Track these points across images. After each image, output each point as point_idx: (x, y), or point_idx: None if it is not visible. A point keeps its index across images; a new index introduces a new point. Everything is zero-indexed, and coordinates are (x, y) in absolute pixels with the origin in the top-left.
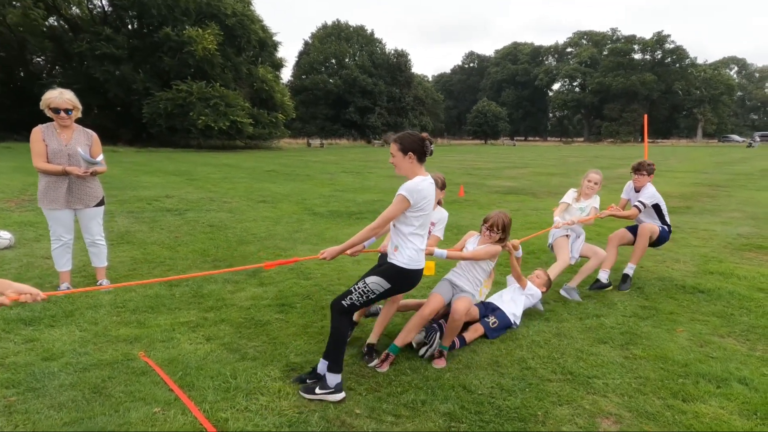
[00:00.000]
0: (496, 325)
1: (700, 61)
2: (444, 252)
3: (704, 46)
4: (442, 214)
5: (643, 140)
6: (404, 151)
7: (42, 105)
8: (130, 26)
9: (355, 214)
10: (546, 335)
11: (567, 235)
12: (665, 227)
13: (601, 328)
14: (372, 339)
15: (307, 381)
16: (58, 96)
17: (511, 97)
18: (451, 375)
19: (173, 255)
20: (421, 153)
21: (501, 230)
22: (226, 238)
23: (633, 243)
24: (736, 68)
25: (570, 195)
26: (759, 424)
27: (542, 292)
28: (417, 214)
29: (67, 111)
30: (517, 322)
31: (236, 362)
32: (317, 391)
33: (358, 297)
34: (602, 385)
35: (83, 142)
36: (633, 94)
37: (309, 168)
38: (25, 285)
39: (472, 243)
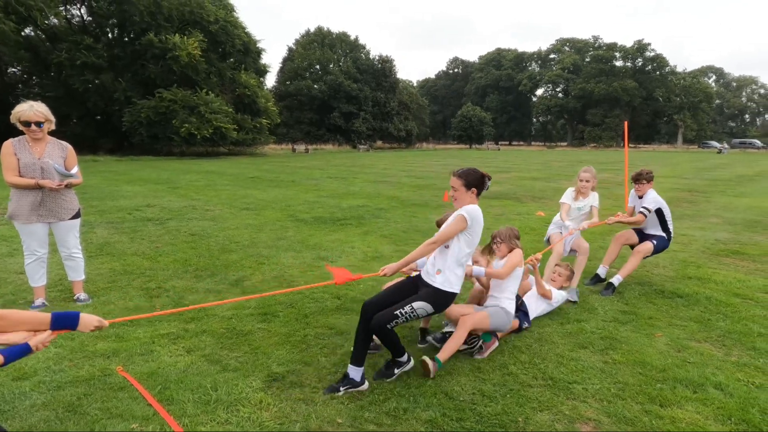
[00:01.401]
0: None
1: (679, 69)
2: (482, 270)
3: (683, 55)
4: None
5: (624, 145)
6: (468, 187)
7: (12, 119)
8: (110, 35)
9: (340, 219)
10: (527, 340)
11: (560, 232)
12: (665, 235)
13: (581, 333)
14: (424, 324)
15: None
16: (29, 109)
17: (496, 102)
18: (433, 382)
19: (154, 266)
20: (481, 189)
21: (503, 239)
22: (208, 247)
23: (636, 245)
24: (714, 77)
25: (569, 195)
26: (733, 429)
27: (565, 287)
28: (468, 239)
29: (38, 124)
30: (529, 325)
31: (217, 374)
32: (396, 370)
33: (403, 321)
34: (582, 390)
35: (57, 155)
36: (615, 100)
37: (293, 174)
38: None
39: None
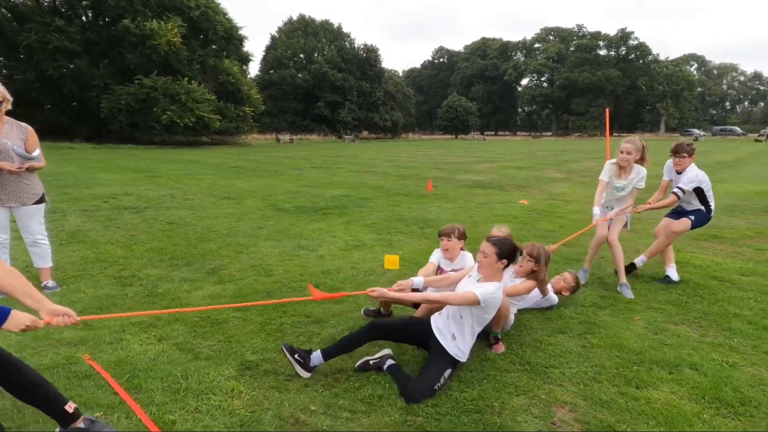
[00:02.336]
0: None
1: (661, 57)
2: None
3: (665, 43)
4: (465, 261)
5: (611, 134)
6: (500, 257)
7: None
8: (84, 18)
9: (322, 209)
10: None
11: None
12: (703, 208)
13: (560, 318)
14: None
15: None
16: None
17: (481, 92)
18: (409, 369)
19: (128, 254)
20: (511, 262)
21: (536, 260)
22: (185, 236)
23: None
24: (695, 65)
25: (607, 170)
26: (707, 408)
27: (565, 294)
28: (484, 316)
29: None
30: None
31: (188, 362)
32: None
33: (440, 390)
34: (559, 374)
35: (16, 136)
36: (599, 89)
37: (277, 164)
38: (60, 306)
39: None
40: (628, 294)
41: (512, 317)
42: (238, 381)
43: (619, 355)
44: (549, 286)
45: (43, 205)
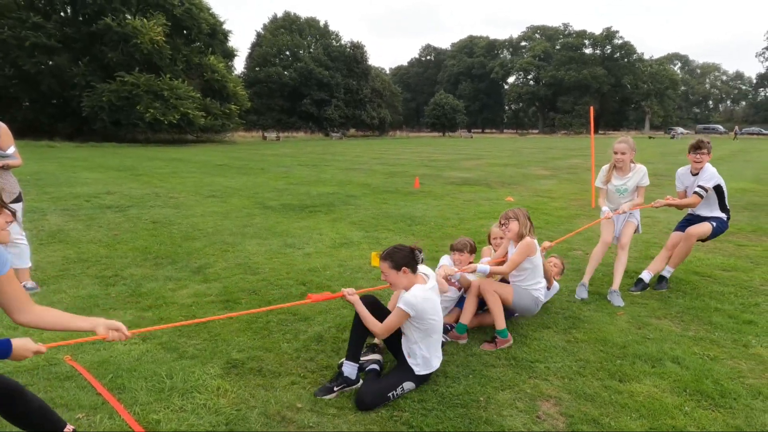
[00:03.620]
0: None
1: (646, 56)
2: (487, 267)
3: (649, 43)
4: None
5: (595, 131)
6: (398, 268)
7: None
8: (62, 13)
9: (309, 207)
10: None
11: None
12: (724, 216)
13: (545, 314)
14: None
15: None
16: None
17: (468, 90)
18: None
19: (111, 253)
20: (413, 264)
21: (509, 218)
22: (170, 235)
23: (708, 239)
24: (679, 64)
25: (602, 175)
26: (688, 400)
27: (558, 280)
28: (424, 326)
29: None
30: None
31: (173, 361)
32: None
33: (393, 398)
34: (544, 369)
35: None
36: (585, 87)
37: (263, 161)
38: (112, 321)
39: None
40: (618, 302)
41: (540, 302)
42: (224, 379)
43: (603, 349)
44: (554, 281)
45: (20, 204)
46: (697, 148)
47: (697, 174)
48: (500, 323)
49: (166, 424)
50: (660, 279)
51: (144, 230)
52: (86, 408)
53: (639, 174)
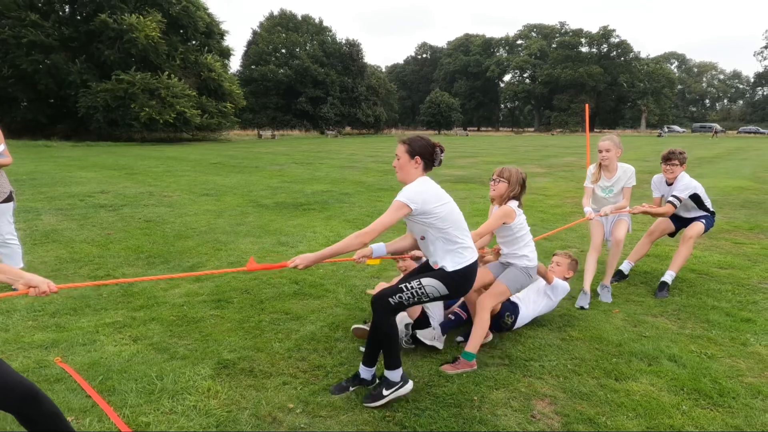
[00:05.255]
0: (512, 320)
1: (642, 55)
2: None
3: (646, 41)
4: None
5: (591, 130)
6: (412, 154)
7: None
8: (60, 12)
9: (303, 205)
10: None
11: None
12: (708, 215)
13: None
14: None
15: (359, 388)
16: None
17: (464, 88)
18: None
19: (103, 253)
20: (429, 160)
21: (501, 178)
22: (163, 234)
23: (673, 233)
24: (676, 63)
25: (589, 176)
26: (685, 399)
27: (567, 278)
28: (432, 219)
29: None
30: (526, 321)
31: (164, 362)
32: (385, 392)
33: (409, 297)
34: (539, 367)
35: None
36: (581, 85)
37: (258, 159)
38: (35, 276)
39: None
40: (607, 298)
41: (532, 269)
42: (215, 380)
43: (598, 347)
44: (553, 276)
45: (11, 204)
46: (667, 159)
47: (672, 184)
48: (474, 345)
49: (156, 426)
50: (662, 285)
51: (137, 229)
52: (76, 411)
53: (626, 174)
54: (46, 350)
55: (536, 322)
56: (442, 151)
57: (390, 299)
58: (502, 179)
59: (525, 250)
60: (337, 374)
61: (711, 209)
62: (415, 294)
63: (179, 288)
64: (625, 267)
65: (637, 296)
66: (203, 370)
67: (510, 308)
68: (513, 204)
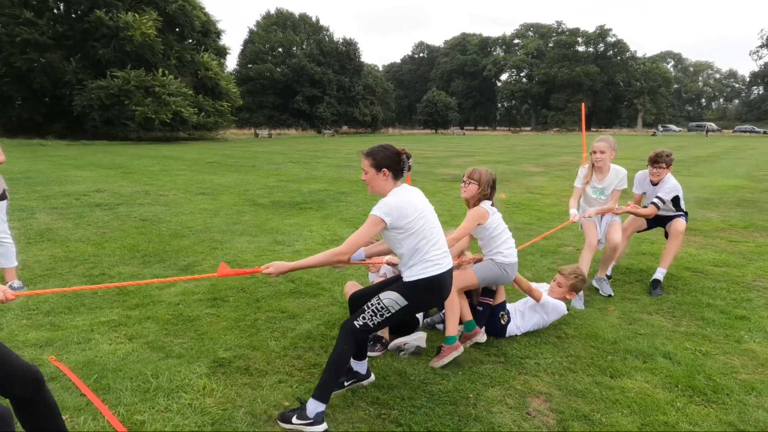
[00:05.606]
0: (504, 320)
1: (639, 54)
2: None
3: (642, 41)
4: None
5: (588, 129)
6: (378, 167)
7: None
8: (55, 11)
9: (299, 204)
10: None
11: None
12: (683, 213)
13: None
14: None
15: (354, 383)
16: None
17: (461, 87)
18: (385, 362)
19: (98, 252)
20: (397, 169)
21: (472, 180)
22: (159, 232)
23: (646, 230)
24: (672, 62)
25: (581, 176)
26: (680, 396)
27: (568, 299)
28: (405, 233)
29: None
30: (518, 333)
31: (159, 361)
32: (294, 420)
33: (371, 315)
34: (534, 365)
35: None
36: (578, 84)
37: (255, 159)
38: None
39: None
40: (607, 289)
41: (509, 266)
42: (210, 379)
43: (593, 345)
44: (543, 291)
45: (5, 202)
46: (654, 162)
47: (657, 184)
48: (451, 328)
49: (151, 424)
50: (654, 283)
51: (133, 228)
52: (70, 409)
53: (618, 177)
54: (40, 349)
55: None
56: (408, 158)
57: (355, 322)
58: (472, 181)
59: (501, 248)
60: None
61: (683, 209)
62: (376, 311)
63: (175, 287)
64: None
65: (633, 294)
66: (199, 368)
67: (504, 308)
68: (485, 204)
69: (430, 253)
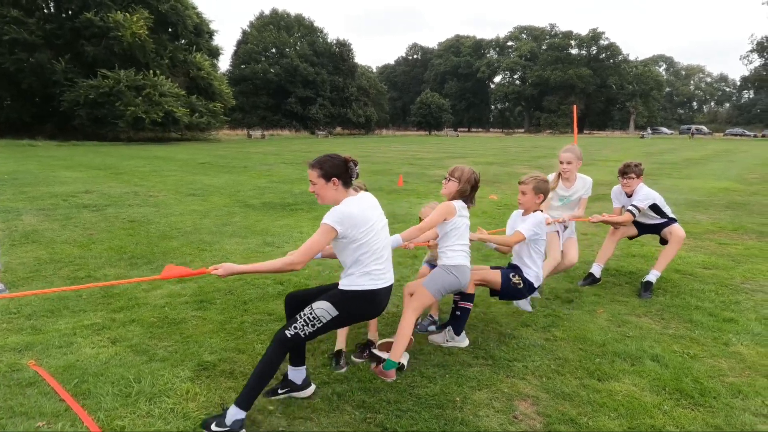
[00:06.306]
0: (519, 285)
1: (631, 57)
2: (398, 237)
3: (635, 44)
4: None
5: (580, 131)
6: (326, 177)
7: None
8: (45, 10)
9: (290, 205)
10: (471, 320)
11: (557, 231)
12: (670, 221)
13: (525, 312)
14: (340, 345)
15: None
16: None
17: (455, 89)
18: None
19: (84, 254)
20: (346, 177)
21: (452, 178)
22: (147, 234)
23: (635, 236)
24: (664, 65)
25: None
26: (667, 399)
27: (539, 205)
28: (351, 243)
29: None
30: (541, 281)
31: (142, 365)
32: (213, 427)
33: (303, 325)
34: (522, 367)
35: None
36: (570, 87)
37: (247, 159)
38: None
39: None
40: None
41: (462, 269)
42: (194, 383)
43: (582, 347)
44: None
45: None
46: (623, 173)
47: (631, 195)
48: (396, 352)
49: (131, 430)
50: (646, 285)
51: (121, 229)
52: (48, 415)
53: (585, 185)
54: (20, 353)
55: (521, 323)
56: (356, 165)
57: (286, 332)
58: (453, 178)
59: (448, 249)
60: (318, 376)
61: (671, 216)
62: (308, 321)
63: (161, 289)
64: (596, 270)
65: (622, 296)
66: (183, 372)
67: (511, 270)
68: (458, 203)
69: (370, 267)
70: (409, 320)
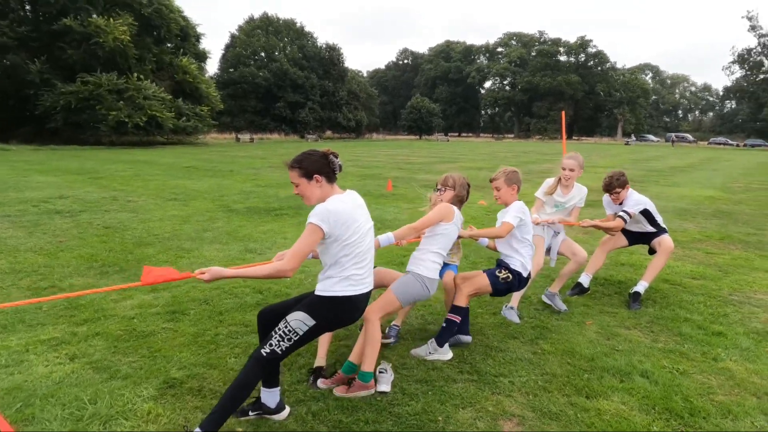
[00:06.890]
0: (508, 278)
1: (618, 65)
2: (390, 235)
3: (622, 52)
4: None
5: (569, 137)
6: (309, 175)
7: None
8: (21, 12)
9: (276, 209)
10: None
11: (542, 236)
12: (660, 231)
13: (512, 323)
14: (320, 362)
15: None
16: None
17: (445, 94)
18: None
19: (51, 262)
20: (329, 172)
21: (447, 187)
22: (122, 241)
23: (626, 247)
24: (650, 74)
25: (544, 187)
26: (656, 419)
27: (513, 195)
28: (333, 242)
29: None
30: (528, 269)
31: (101, 383)
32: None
33: (278, 341)
34: (508, 383)
35: None
36: (559, 93)
37: (233, 163)
38: None
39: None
40: (560, 305)
41: (431, 279)
42: (157, 402)
43: (570, 362)
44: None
45: None
46: (607, 190)
47: (621, 204)
48: (369, 363)
49: None
50: (635, 296)
51: (94, 236)
52: None
53: (580, 194)
54: None
55: (508, 335)
56: (336, 156)
57: (262, 350)
58: (447, 187)
59: (428, 255)
60: (294, 393)
61: (662, 225)
62: (284, 335)
63: (132, 299)
64: (584, 280)
65: (611, 307)
66: (145, 390)
67: (497, 267)
68: (456, 210)
69: (349, 271)
70: (376, 325)
